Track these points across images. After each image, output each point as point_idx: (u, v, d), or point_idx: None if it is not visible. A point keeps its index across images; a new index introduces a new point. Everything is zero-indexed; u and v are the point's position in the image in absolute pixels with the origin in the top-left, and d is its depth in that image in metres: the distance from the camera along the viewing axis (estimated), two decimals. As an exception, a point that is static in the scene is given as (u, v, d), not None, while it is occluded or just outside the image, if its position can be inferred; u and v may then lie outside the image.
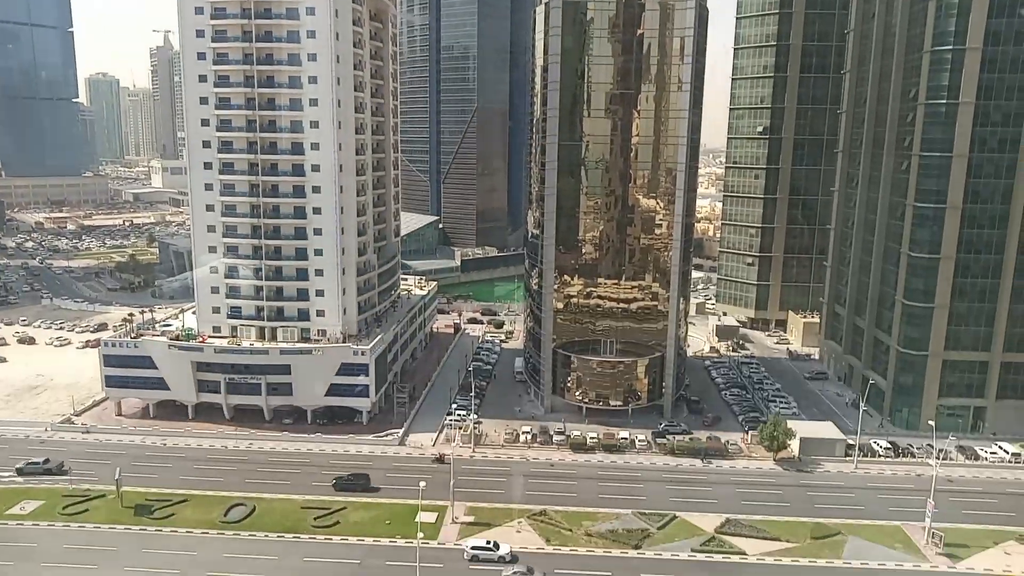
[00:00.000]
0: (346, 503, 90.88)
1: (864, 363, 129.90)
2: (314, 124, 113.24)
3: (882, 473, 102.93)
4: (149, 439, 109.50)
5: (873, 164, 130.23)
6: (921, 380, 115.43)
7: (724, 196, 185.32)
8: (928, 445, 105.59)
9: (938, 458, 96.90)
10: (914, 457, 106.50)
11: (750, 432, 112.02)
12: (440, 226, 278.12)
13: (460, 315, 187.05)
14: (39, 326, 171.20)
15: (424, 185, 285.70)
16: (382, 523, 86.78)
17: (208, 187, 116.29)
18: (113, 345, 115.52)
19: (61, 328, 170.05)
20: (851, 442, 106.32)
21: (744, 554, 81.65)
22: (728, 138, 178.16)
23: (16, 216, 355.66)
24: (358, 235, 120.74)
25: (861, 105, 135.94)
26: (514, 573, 76.46)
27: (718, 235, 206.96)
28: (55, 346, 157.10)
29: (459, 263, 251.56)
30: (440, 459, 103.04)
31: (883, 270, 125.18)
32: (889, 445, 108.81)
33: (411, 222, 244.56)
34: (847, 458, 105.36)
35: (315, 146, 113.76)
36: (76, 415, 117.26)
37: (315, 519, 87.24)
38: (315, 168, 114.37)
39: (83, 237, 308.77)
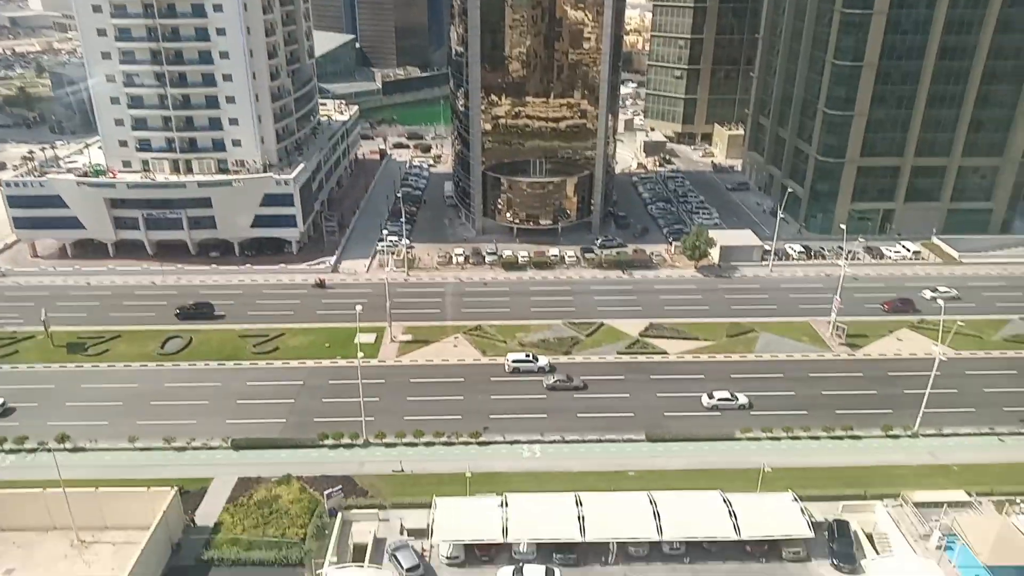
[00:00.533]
0: (284, 329, 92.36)
1: (784, 172, 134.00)
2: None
3: (795, 275, 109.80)
4: (71, 279, 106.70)
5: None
6: (836, 186, 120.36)
7: (654, 6, 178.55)
8: (838, 247, 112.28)
9: (846, 258, 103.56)
10: (825, 259, 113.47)
11: (674, 243, 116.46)
12: (357, 45, 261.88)
13: (385, 140, 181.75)
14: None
15: (336, 0, 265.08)
16: (321, 346, 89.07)
17: (96, 8, 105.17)
18: (17, 185, 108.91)
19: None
20: (767, 248, 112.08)
21: (665, 353, 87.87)
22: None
23: None
24: (269, 57, 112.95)
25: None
26: (555, 380, 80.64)
27: (647, 48, 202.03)
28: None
29: (380, 85, 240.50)
30: (320, 284, 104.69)
31: (807, 79, 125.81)
32: (803, 249, 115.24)
33: (325, 42, 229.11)
34: (763, 263, 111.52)
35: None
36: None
37: (255, 346, 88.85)
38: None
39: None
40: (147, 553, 54.91)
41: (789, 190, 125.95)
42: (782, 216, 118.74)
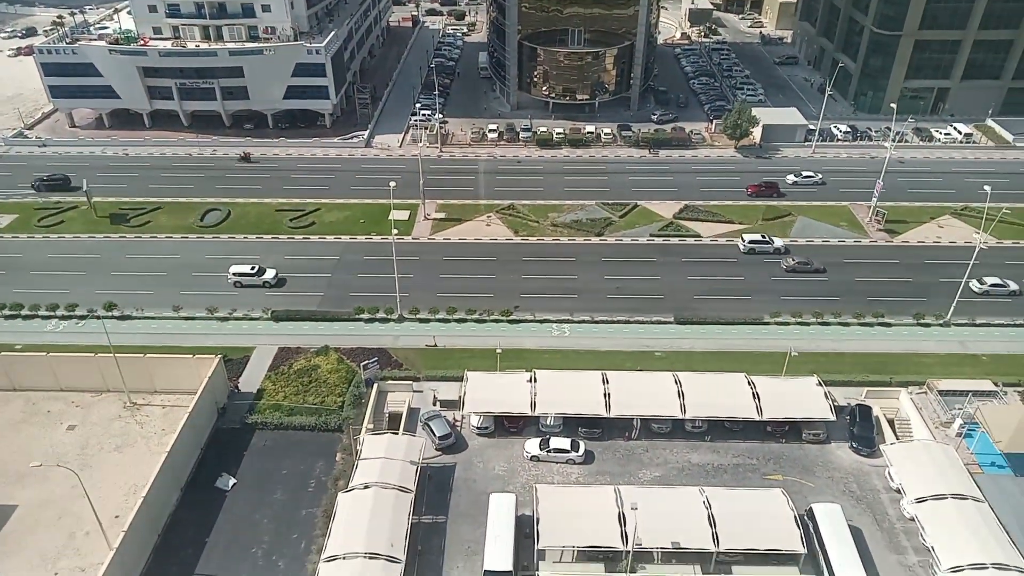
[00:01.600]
0: (319, 204, 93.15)
1: (836, 45, 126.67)
2: None
3: (838, 156, 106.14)
4: (109, 150, 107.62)
5: None
6: (891, 61, 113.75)
7: None
8: (886, 128, 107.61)
9: (894, 140, 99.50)
10: (871, 140, 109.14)
11: (715, 121, 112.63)
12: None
13: (418, 6, 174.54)
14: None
15: None
16: (356, 222, 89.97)
17: None
18: (49, 52, 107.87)
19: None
20: (812, 127, 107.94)
21: (699, 236, 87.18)
22: None
23: None
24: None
25: None
26: (796, 261, 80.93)
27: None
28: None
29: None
30: (245, 157, 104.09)
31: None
32: (848, 129, 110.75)
33: None
34: (807, 143, 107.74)
35: None
36: (28, 128, 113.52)
37: (291, 220, 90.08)
38: None
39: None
40: (194, 415, 58.48)
41: (840, 65, 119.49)
42: (830, 93, 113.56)
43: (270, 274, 78.91)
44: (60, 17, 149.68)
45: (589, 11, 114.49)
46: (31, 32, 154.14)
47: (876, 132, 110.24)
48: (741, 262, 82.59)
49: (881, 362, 68.11)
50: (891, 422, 61.51)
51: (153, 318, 73.62)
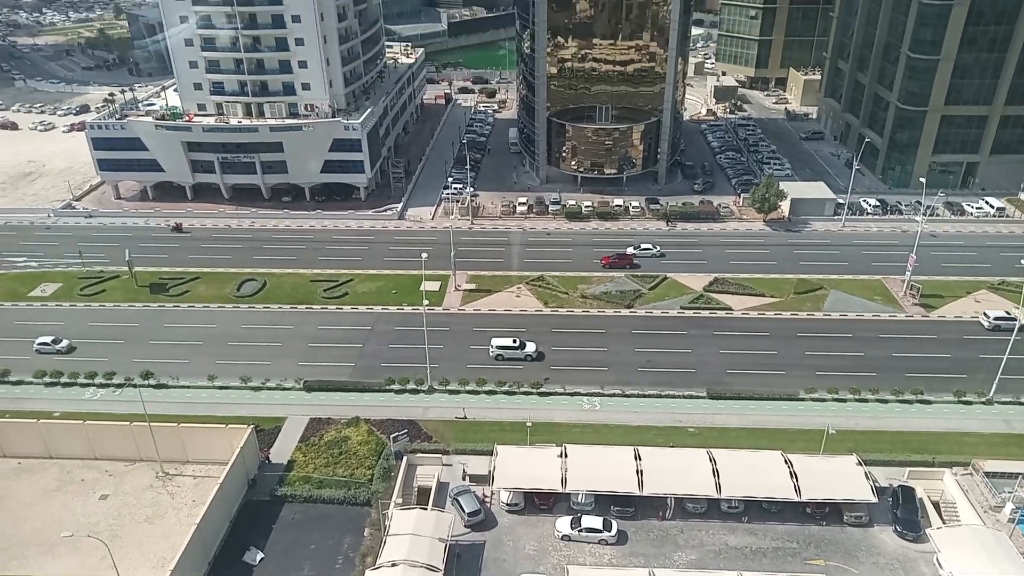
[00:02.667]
0: (353, 275, 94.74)
1: (862, 121, 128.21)
2: None
3: (869, 230, 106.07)
4: (152, 221, 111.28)
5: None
6: (917, 136, 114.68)
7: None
8: (916, 202, 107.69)
9: (925, 214, 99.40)
10: (902, 214, 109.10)
11: (742, 195, 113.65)
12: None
13: (451, 84, 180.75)
14: (19, 110, 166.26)
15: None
16: (388, 292, 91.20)
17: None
18: (99, 128, 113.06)
19: (42, 112, 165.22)
20: (841, 201, 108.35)
21: (730, 309, 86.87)
22: None
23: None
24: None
25: None
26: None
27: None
28: (40, 131, 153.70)
29: (446, 26, 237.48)
30: (177, 227, 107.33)
31: (891, 20, 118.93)
32: (878, 203, 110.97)
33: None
34: (836, 217, 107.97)
35: None
36: (76, 200, 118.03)
37: (325, 290, 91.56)
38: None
39: (43, 11, 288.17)
40: (225, 487, 58.45)
41: (866, 140, 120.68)
42: (858, 168, 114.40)
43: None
44: (111, 95, 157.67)
45: (616, 89, 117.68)
46: (84, 109, 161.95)
47: (906, 206, 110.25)
48: (773, 336, 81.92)
49: (922, 441, 66.33)
50: (936, 504, 59.49)
51: (188, 387, 74.51)
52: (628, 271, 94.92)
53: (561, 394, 73.24)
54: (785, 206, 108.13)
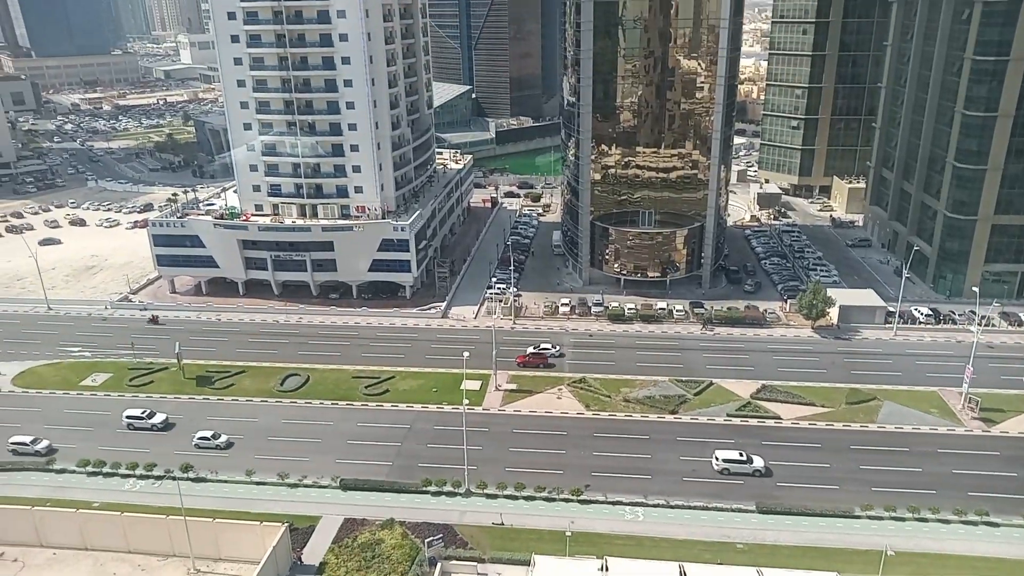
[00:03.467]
0: (394, 372, 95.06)
1: (909, 229, 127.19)
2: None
3: (922, 340, 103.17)
4: (204, 315, 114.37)
5: (931, 15, 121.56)
6: (968, 246, 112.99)
7: (770, 54, 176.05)
8: (970, 312, 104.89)
9: (980, 324, 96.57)
10: (955, 324, 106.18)
11: (789, 301, 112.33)
12: (473, 96, 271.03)
13: (497, 189, 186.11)
14: (88, 208, 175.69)
15: (455, 53, 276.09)
16: (429, 391, 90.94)
17: (237, 61, 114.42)
18: (161, 225, 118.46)
19: (109, 209, 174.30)
20: (891, 309, 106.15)
21: (779, 419, 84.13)
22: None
23: (52, 98, 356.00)
24: (391, 108, 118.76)
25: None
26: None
27: (762, 97, 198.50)
28: (105, 227, 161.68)
29: (494, 135, 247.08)
30: (154, 320, 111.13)
31: (935, 130, 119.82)
32: (930, 312, 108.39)
33: (443, 93, 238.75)
34: (887, 325, 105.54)
35: (341, 13, 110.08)
36: (133, 293, 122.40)
37: (366, 387, 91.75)
38: (343, 38, 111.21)
39: (120, 118, 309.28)
40: (257, 588, 57.02)
41: (915, 248, 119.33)
42: (907, 276, 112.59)
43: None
44: (174, 195, 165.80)
45: (659, 194, 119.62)
46: (148, 208, 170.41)
47: (960, 315, 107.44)
48: (825, 447, 78.72)
49: (991, 567, 61.86)
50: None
51: (226, 481, 74.18)
52: (543, 369, 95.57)
53: (602, 502, 70.76)
54: (833, 313, 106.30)
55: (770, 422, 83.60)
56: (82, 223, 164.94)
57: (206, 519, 63.96)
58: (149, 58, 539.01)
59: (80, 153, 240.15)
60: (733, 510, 69.32)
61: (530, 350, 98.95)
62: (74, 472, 75.80)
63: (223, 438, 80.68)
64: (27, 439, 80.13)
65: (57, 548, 65.25)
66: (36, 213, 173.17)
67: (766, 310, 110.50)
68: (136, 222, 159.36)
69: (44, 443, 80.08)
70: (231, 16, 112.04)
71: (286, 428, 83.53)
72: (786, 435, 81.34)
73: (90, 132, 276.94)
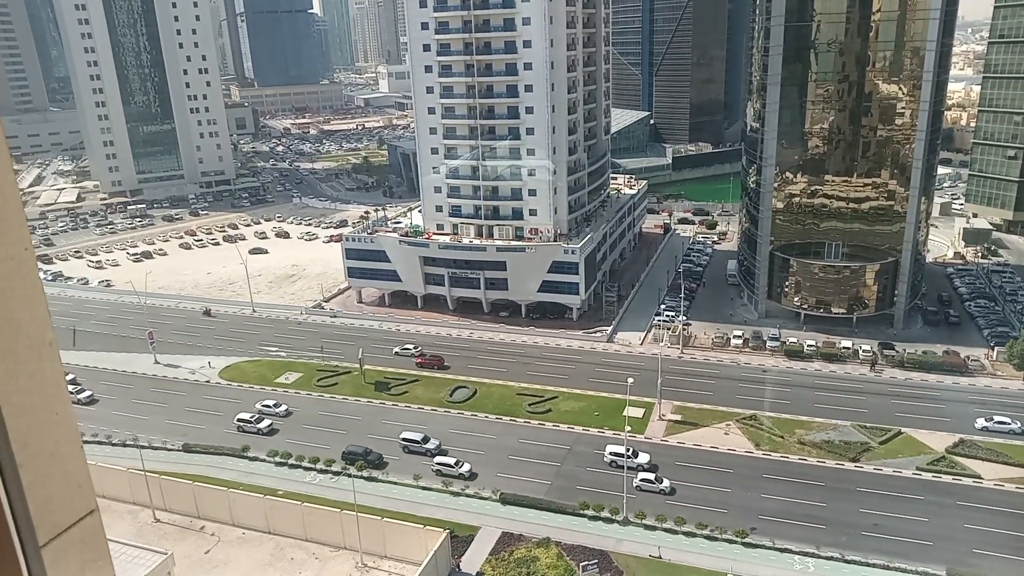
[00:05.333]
0: (557, 392, 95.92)
1: None
2: (526, 21, 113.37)
3: None
4: (385, 324, 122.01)
5: None
6: None
7: (984, 78, 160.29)
8: None
9: None
10: None
11: (996, 348, 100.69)
12: (651, 122, 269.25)
13: (670, 215, 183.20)
14: (291, 222, 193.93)
15: (636, 79, 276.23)
16: (590, 414, 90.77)
17: (429, 90, 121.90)
18: (353, 240, 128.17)
19: (309, 224, 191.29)
20: None
21: (979, 478, 75.35)
22: (995, 6, 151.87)
23: (268, 123, 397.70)
24: (568, 133, 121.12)
25: None
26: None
27: (972, 124, 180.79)
28: (305, 240, 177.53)
29: (670, 161, 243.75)
30: (207, 312, 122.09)
31: None
32: None
33: (621, 118, 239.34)
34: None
35: (527, 44, 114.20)
36: (325, 301, 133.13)
37: (529, 405, 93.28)
38: (527, 67, 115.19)
39: (323, 141, 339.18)
40: (418, 588, 59.44)
41: None
42: None
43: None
44: (367, 213, 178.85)
45: (848, 226, 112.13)
46: (343, 224, 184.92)
47: None
48: (1036, 516, 69.41)
49: None
50: None
51: (395, 483, 78.24)
52: (438, 370, 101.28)
53: (769, 548, 66.80)
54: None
55: (968, 481, 75.01)
56: (286, 235, 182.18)
57: (375, 517, 67.75)
58: (352, 87, 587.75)
59: (288, 173, 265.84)
60: (919, 573, 62.73)
61: (417, 350, 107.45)
62: (264, 461, 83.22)
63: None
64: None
65: (246, 529, 71.83)
66: (248, 225, 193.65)
67: (969, 357, 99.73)
68: (332, 236, 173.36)
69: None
70: (426, 48, 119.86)
71: (452, 437, 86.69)
72: (987, 497, 72.52)
73: (297, 154, 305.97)
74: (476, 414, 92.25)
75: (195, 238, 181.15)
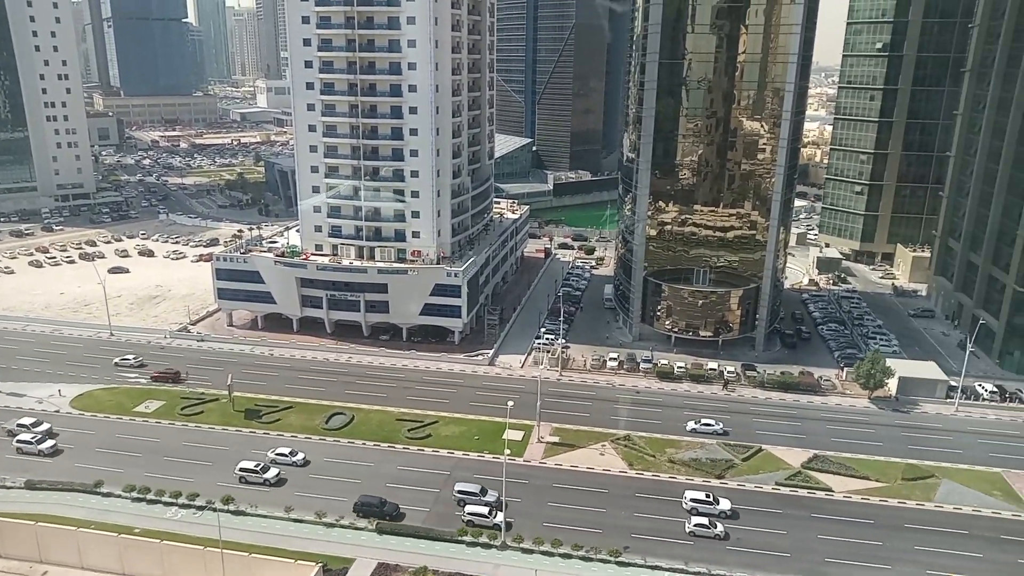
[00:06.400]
0: (438, 417, 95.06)
1: (976, 302, 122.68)
2: (411, 43, 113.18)
3: (985, 418, 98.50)
4: (257, 349, 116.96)
5: (1005, 86, 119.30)
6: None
7: (835, 119, 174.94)
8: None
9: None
10: (1022, 402, 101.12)
11: (845, 369, 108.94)
12: (534, 149, 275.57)
13: (551, 240, 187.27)
14: (157, 240, 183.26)
15: (519, 106, 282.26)
16: (471, 438, 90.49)
17: (310, 107, 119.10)
18: (224, 260, 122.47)
19: (177, 242, 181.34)
20: (954, 384, 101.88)
21: (831, 491, 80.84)
22: (843, 55, 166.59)
23: (134, 135, 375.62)
24: (453, 157, 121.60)
25: (997, 18, 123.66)
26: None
27: (825, 161, 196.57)
28: (172, 259, 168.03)
29: (552, 187, 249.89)
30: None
31: (1006, 202, 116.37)
32: (996, 389, 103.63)
33: (505, 144, 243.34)
34: (948, 400, 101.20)
35: (412, 66, 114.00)
36: (192, 324, 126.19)
37: (409, 431, 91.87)
38: (412, 89, 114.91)
39: (195, 155, 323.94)
40: (287, 626, 56.76)
41: (981, 322, 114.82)
42: (972, 350, 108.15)
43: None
44: (240, 231, 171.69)
45: (716, 253, 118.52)
46: (214, 242, 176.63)
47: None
48: (878, 524, 75.10)
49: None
50: None
51: (265, 516, 74.57)
52: (172, 383, 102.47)
53: (641, 566, 68.61)
54: (892, 384, 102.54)
55: (821, 494, 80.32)
56: (150, 254, 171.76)
57: (241, 553, 64.37)
58: (228, 100, 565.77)
59: (155, 187, 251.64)
60: (778, 585, 66.29)
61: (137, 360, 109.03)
62: (119, 497, 77.29)
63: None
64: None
65: (96, 571, 66.29)
66: (109, 242, 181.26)
67: (821, 377, 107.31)
68: (201, 255, 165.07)
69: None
70: (308, 65, 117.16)
71: (328, 466, 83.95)
72: (837, 508, 77.94)
73: (166, 168, 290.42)
74: (353, 441, 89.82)
75: (47, 255, 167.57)
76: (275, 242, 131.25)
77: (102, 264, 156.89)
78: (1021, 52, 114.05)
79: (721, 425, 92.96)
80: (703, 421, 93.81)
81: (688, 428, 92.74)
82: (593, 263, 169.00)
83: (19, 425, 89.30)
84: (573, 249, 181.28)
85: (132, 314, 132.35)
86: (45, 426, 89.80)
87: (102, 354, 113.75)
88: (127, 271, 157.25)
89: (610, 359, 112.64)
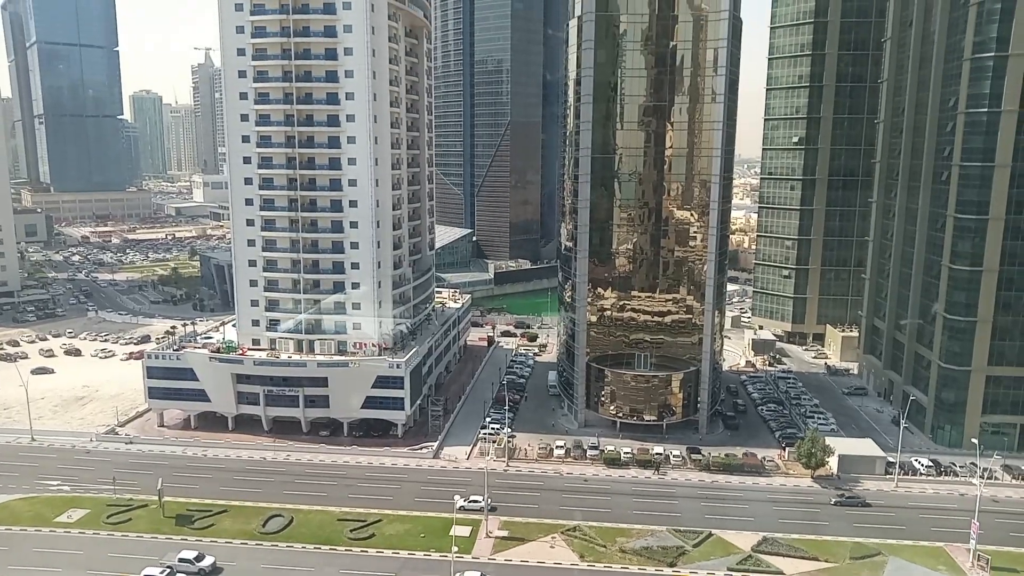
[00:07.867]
0: (381, 515, 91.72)
1: (905, 378, 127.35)
2: (351, 139, 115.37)
3: (924, 492, 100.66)
4: (190, 450, 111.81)
5: (912, 175, 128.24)
6: (964, 396, 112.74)
7: (759, 208, 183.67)
8: (972, 464, 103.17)
9: (983, 477, 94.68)
10: (957, 476, 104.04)
11: (787, 448, 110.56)
12: (474, 239, 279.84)
13: (494, 328, 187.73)
14: (85, 338, 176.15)
15: (458, 198, 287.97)
16: (417, 536, 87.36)
17: (248, 202, 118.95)
18: (156, 357, 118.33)
19: (106, 340, 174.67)
20: (891, 460, 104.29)
21: (781, 574, 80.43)
22: (763, 149, 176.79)
23: (64, 230, 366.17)
24: (393, 248, 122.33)
25: (899, 115, 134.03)
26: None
27: (753, 247, 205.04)
28: (100, 358, 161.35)
29: (493, 276, 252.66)
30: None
31: (924, 283, 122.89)
32: (931, 463, 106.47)
33: (445, 235, 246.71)
34: (887, 476, 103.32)
35: (352, 161, 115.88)
36: (120, 426, 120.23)
37: (351, 531, 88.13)
38: (352, 183, 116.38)
39: (127, 251, 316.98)
40: None
41: (912, 398, 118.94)
42: (905, 426, 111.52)
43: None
44: (173, 327, 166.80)
45: (655, 337, 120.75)
46: (145, 339, 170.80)
47: (961, 467, 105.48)
48: (831, 607, 74.79)
49: None
50: None
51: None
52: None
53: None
54: (833, 462, 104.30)
55: (773, 578, 79.93)
56: (77, 353, 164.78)
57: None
58: (163, 195, 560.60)
59: (85, 284, 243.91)
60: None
61: None
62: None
63: None
64: None
65: None
66: (33, 342, 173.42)
67: (764, 457, 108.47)
68: (131, 354, 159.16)
69: None
70: (246, 160, 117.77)
71: (265, 573, 79.39)
72: (790, 592, 77.49)
73: (96, 264, 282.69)
74: (292, 545, 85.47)
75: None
76: (210, 337, 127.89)
77: (25, 365, 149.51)
78: (922, 144, 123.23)
79: (482, 499, 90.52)
80: (472, 498, 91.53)
81: (457, 507, 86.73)
82: (536, 350, 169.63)
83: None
84: (516, 336, 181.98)
85: (56, 417, 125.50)
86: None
87: (21, 461, 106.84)
88: (52, 371, 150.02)
89: (557, 447, 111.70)
